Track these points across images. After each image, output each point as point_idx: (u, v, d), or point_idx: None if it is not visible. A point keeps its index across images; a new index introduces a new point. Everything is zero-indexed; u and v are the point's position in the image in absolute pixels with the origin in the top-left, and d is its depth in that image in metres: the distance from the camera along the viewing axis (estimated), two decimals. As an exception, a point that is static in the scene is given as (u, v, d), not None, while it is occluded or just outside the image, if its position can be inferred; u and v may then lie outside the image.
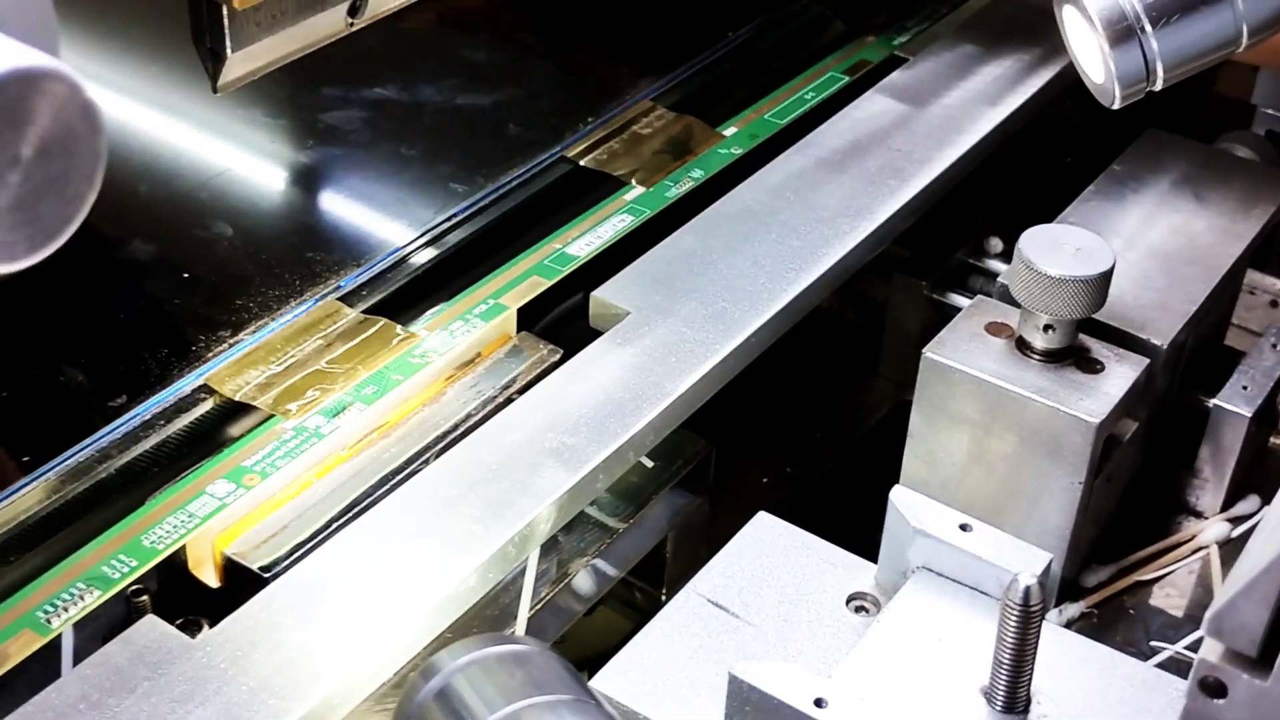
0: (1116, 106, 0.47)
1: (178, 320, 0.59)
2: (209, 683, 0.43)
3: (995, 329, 0.57)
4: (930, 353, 0.56)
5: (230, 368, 0.55)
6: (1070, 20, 0.51)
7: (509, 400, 0.55)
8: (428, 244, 0.63)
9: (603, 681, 0.47)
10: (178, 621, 0.47)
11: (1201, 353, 0.63)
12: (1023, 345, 0.56)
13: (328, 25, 0.47)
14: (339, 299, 0.59)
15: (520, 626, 0.54)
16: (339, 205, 0.66)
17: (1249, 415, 0.60)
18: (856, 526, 0.54)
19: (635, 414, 0.53)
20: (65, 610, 0.46)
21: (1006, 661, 0.45)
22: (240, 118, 0.68)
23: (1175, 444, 0.63)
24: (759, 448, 0.65)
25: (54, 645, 0.46)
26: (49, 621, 0.46)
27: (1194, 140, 0.70)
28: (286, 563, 0.49)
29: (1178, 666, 0.55)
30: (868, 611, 0.51)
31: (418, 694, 0.39)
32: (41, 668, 0.45)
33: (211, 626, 0.46)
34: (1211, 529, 0.62)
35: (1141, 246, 0.63)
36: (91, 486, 0.51)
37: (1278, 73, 0.62)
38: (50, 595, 0.47)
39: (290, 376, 0.55)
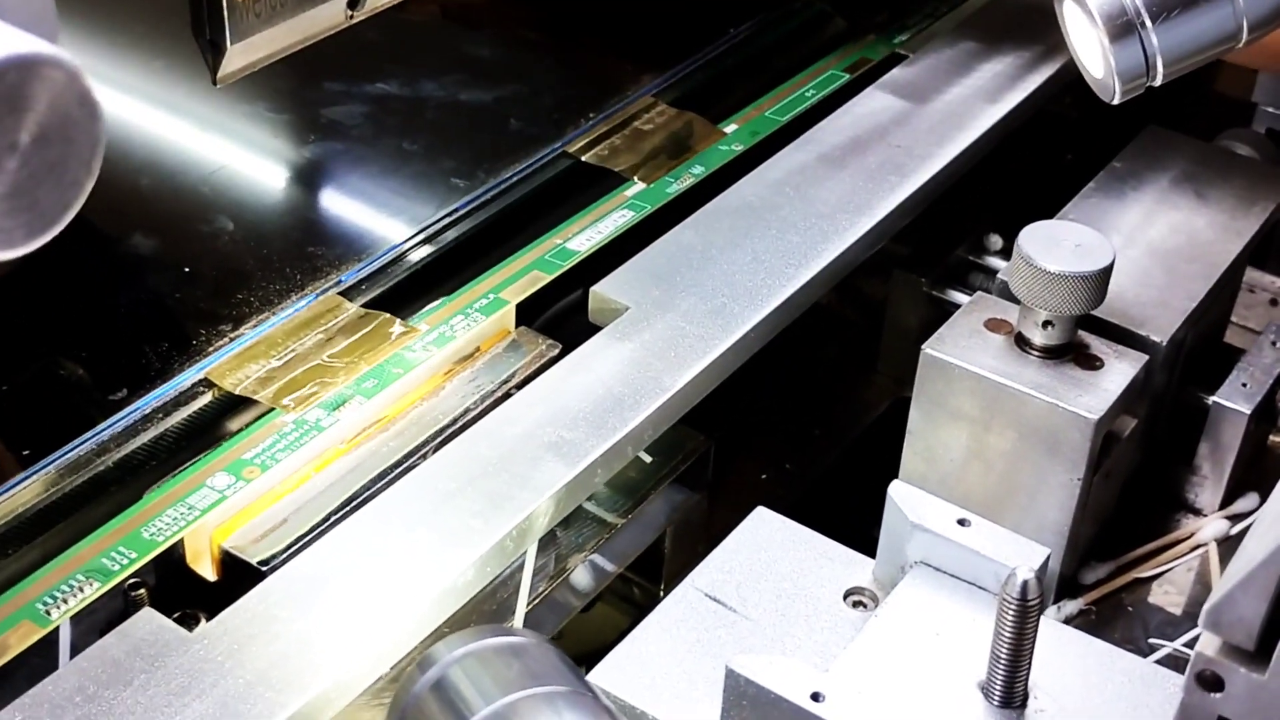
0: (1116, 102, 0.47)
1: (179, 314, 0.59)
2: (206, 675, 0.43)
3: (994, 325, 0.57)
4: (929, 349, 0.56)
5: (231, 361, 0.56)
6: (1070, 16, 0.51)
7: (508, 394, 0.55)
8: (429, 239, 0.63)
9: (600, 676, 0.47)
10: (175, 615, 0.47)
11: (1201, 350, 0.63)
12: (1022, 341, 0.56)
13: (328, 17, 0.47)
14: (340, 293, 0.59)
15: (518, 621, 0.54)
16: (340, 200, 0.66)
17: (1248, 412, 0.60)
18: (855, 522, 0.54)
19: (634, 409, 0.53)
20: (65, 602, 0.46)
21: (1004, 656, 0.45)
22: (242, 112, 0.68)
23: (1174, 441, 0.63)
24: (758, 443, 0.65)
25: (51, 638, 0.46)
26: (48, 613, 0.46)
27: (1194, 137, 0.70)
28: (284, 556, 0.49)
29: (1176, 664, 0.55)
30: (865, 606, 0.51)
31: (414, 685, 0.39)
32: (39, 660, 0.45)
33: (209, 620, 0.46)
34: (1210, 526, 0.62)
35: (1141, 243, 0.63)
36: (91, 479, 0.51)
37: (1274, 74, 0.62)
38: (50, 587, 0.47)
39: (291, 370, 0.55)
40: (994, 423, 0.55)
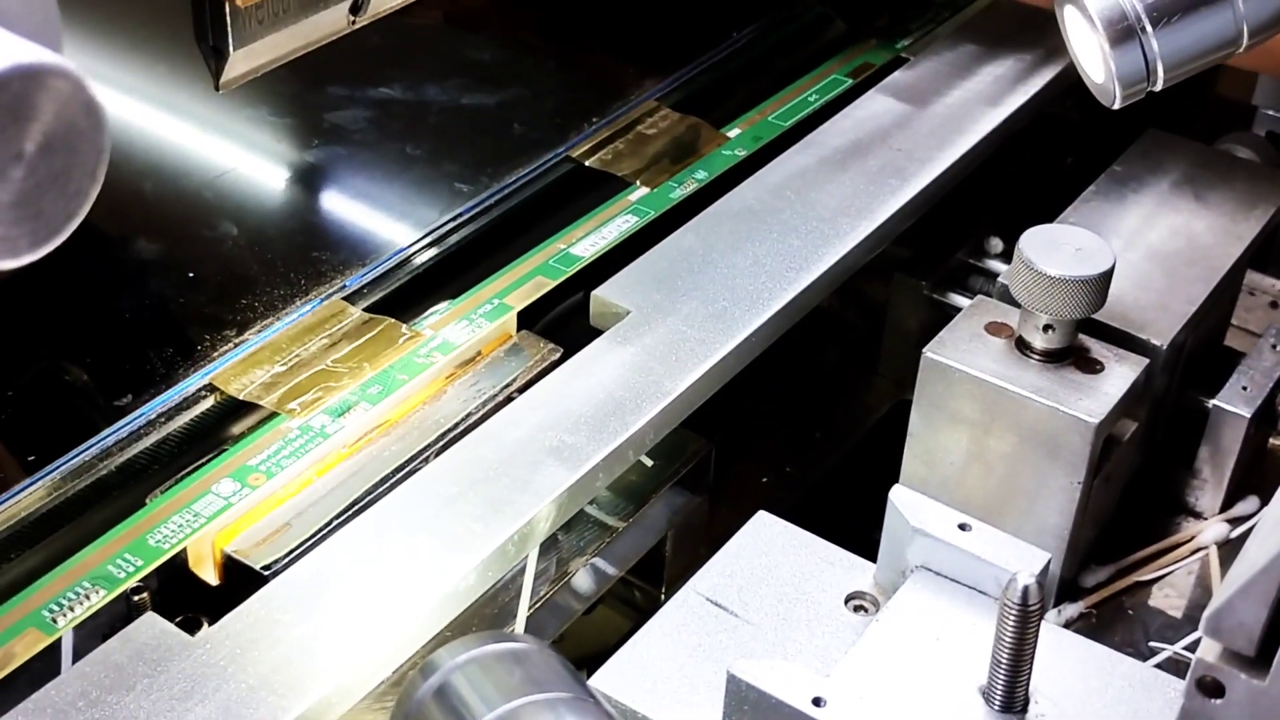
0: (1117, 106, 0.47)
1: (183, 319, 0.59)
2: (208, 680, 0.43)
3: (995, 329, 0.57)
4: (930, 352, 0.56)
5: (235, 367, 0.56)
6: (1071, 20, 0.51)
7: (509, 399, 0.55)
8: (432, 244, 0.63)
9: (602, 680, 0.47)
10: (177, 619, 0.47)
11: (1201, 353, 0.63)
12: (1022, 345, 0.56)
13: (330, 23, 0.47)
14: (344, 298, 0.59)
15: (520, 625, 0.54)
16: (344, 205, 0.67)
17: (1248, 416, 0.61)
18: (856, 526, 0.54)
19: (635, 413, 0.53)
20: (71, 610, 0.46)
21: (1004, 661, 0.45)
22: (245, 117, 0.68)
23: (1174, 444, 0.63)
24: (759, 447, 0.65)
25: (54, 642, 0.46)
26: (54, 621, 0.46)
27: (1194, 141, 0.70)
28: (287, 561, 0.49)
29: (1176, 667, 0.55)
30: (866, 611, 0.51)
31: (416, 691, 0.39)
32: (41, 665, 0.45)
33: (211, 624, 0.46)
34: (1210, 529, 0.62)
35: (1141, 247, 0.63)
36: (96, 485, 0.51)
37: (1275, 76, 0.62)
38: (55, 594, 0.47)
39: (295, 376, 0.55)
40: (994, 426, 0.56)
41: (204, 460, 0.52)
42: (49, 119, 0.30)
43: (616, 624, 0.64)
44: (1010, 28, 0.76)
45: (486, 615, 0.53)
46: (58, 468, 0.51)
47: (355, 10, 0.47)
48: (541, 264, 0.62)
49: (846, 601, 0.51)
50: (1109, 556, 0.61)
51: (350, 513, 0.51)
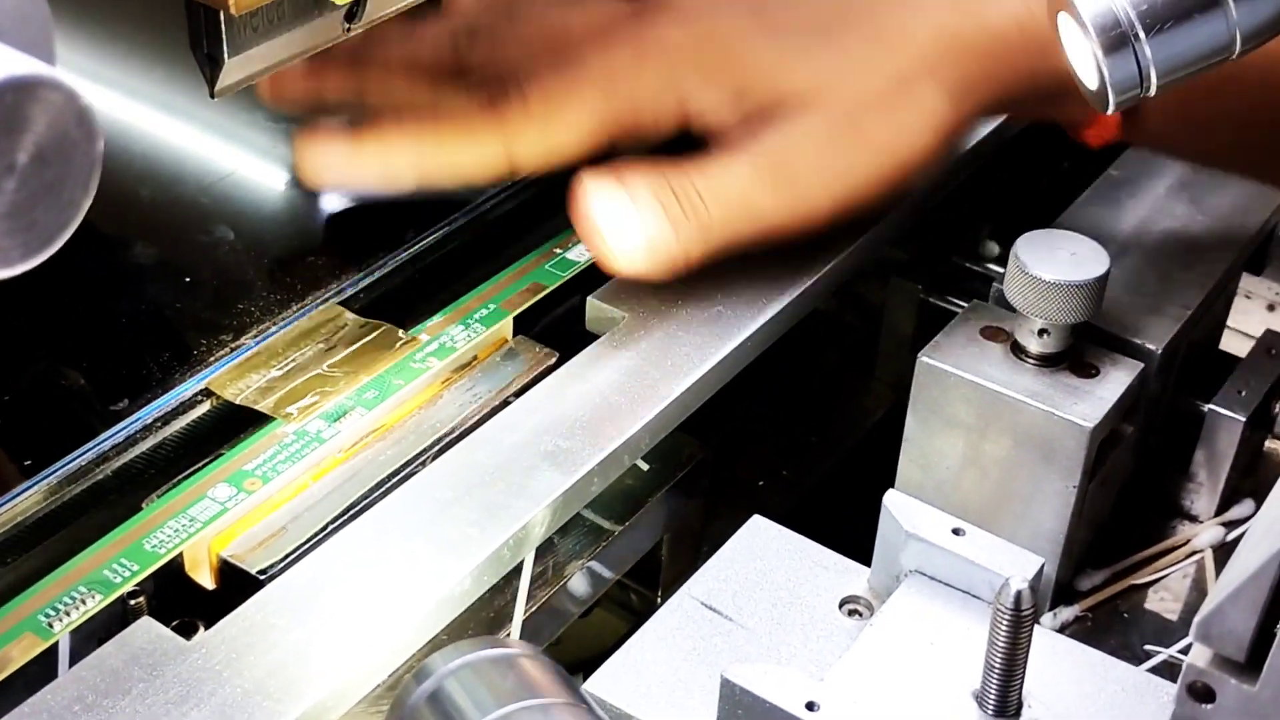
0: (1111, 113, 0.47)
1: (179, 324, 0.59)
2: (204, 684, 0.43)
3: (990, 333, 0.58)
4: (925, 357, 0.56)
5: (231, 372, 0.56)
6: (1065, 27, 0.51)
7: (505, 403, 0.55)
8: (428, 249, 0.63)
9: (597, 684, 0.47)
10: (173, 623, 0.47)
11: (1196, 357, 0.63)
12: (1018, 349, 0.57)
13: (325, 31, 0.47)
14: (340, 303, 0.60)
15: (515, 629, 0.54)
16: (340, 210, 0.67)
17: (1243, 420, 0.61)
18: (851, 530, 0.54)
19: (631, 417, 0.53)
20: (67, 614, 0.46)
21: (998, 666, 0.45)
22: (242, 122, 0.68)
23: (1170, 448, 0.63)
24: (754, 451, 0.65)
25: (50, 647, 0.46)
26: (51, 625, 0.46)
27: (1191, 145, 0.70)
28: (282, 565, 0.49)
29: (1172, 670, 0.55)
30: (861, 615, 0.51)
31: (410, 696, 0.39)
32: (37, 669, 0.45)
33: (207, 628, 0.46)
34: (1206, 533, 0.62)
35: (1137, 251, 0.63)
36: (92, 490, 0.51)
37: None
38: (52, 599, 0.47)
39: (291, 380, 0.56)
40: (990, 430, 0.56)
41: (200, 465, 0.52)
42: (41, 130, 0.30)
43: (613, 627, 0.64)
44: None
45: (482, 619, 0.53)
46: (54, 472, 0.51)
47: (350, 18, 0.47)
48: (537, 269, 0.62)
49: (841, 606, 0.51)
50: (1104, 560, 0.61)
51: (346, 517, 0.51)
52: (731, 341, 0.57)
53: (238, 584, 0.49)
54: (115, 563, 0.48)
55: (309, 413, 0.54)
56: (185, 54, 0.47)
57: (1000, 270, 0.66)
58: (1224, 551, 0.62)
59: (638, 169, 0.54)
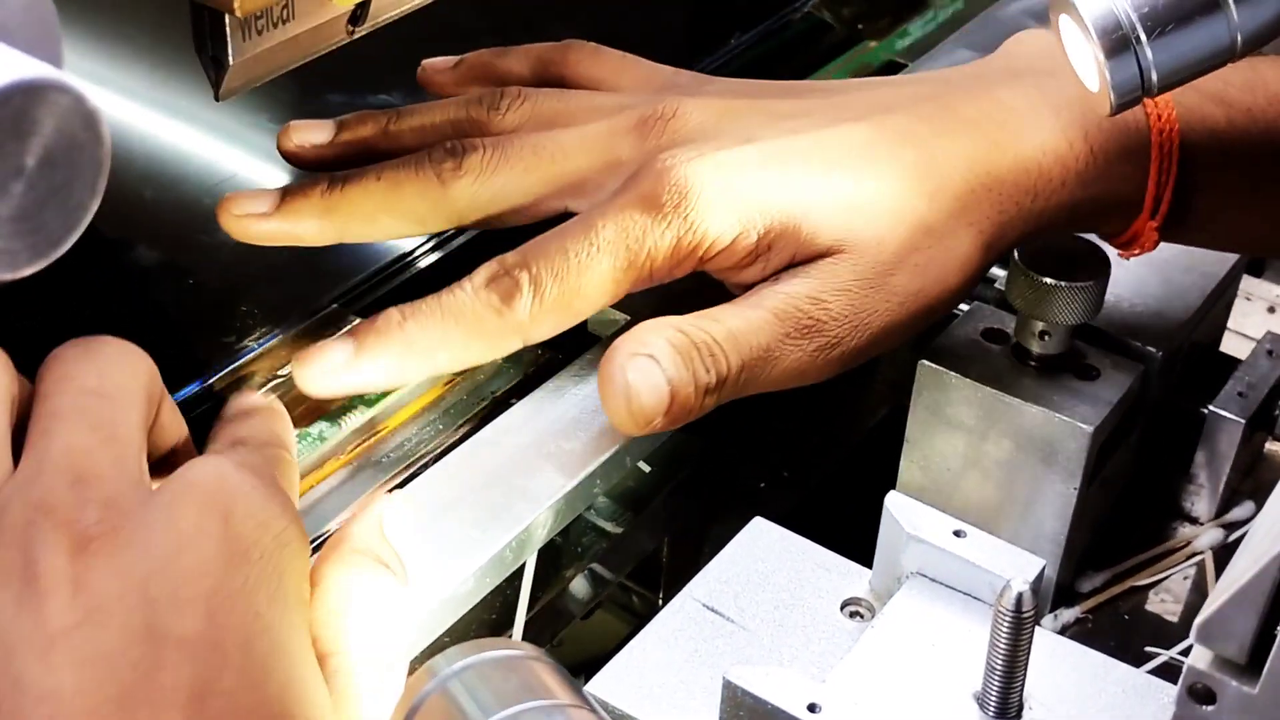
0: (1112, 115, 0.47)
1: (182, 326, 0.59)
2: (209, 685, 0.43)
3: (992, 335, 0.58)
4: (927, 358, 0.57)
5: (235, 374, 0.56)
6: (1066, 29, 0.51)
7: (507, 405, 0.55)
8: (431, 249, 0.63)
9: (598, 686, 0.48)
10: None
11: (1197, 359, 0.64)
12: (1019, 351, 0.57)
13: (329, 34, 0.47)
14: (343, 305, 0.60)
15: (518, 630, 0.54)
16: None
17: (1244, 421, 0.61)
18: (852, 532, 0.55)
19: (633, 419, 0.53)
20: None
21: (999, 667, 0.45)
22: (246, 124, 0.68)
23: (1170, 450, 0.63)
24: (756, 452, 0.65)
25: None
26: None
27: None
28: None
29: (1172, 672, 0.55)
30: (862, 617, 0.51)
31: (413, 698, 0.39)
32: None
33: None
34: (1206, 535, 0.62)
35: (1138, 254, 0.63)
36: (94, 490, 0.52)
37: None
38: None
39: (294, 384, 0.56)
40: (991, 432, 0.56)
41: (203, 467, 0.52)
42: (49, 134, 0.31)
43: (614, 628, 0.64)
44: (1004, 35, 0.76)
45: (485, 621, 0.53)
46: (58, 474, 0.51)
47: (355, 20, 0.47)
48: (540, 270, 0.62)
49: (842, 608, 0.51)
50: (1105, 562, 0.61)
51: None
52: (733, 343, 0.57)
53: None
54: (119, 564, 0.48)
55: (312, 416, 0.54)
56: (190, 57, 0.47)
57: (1001, 272, 0.66)
58: (1224, 553, 0.62)
59: (658, 328, 0.51)
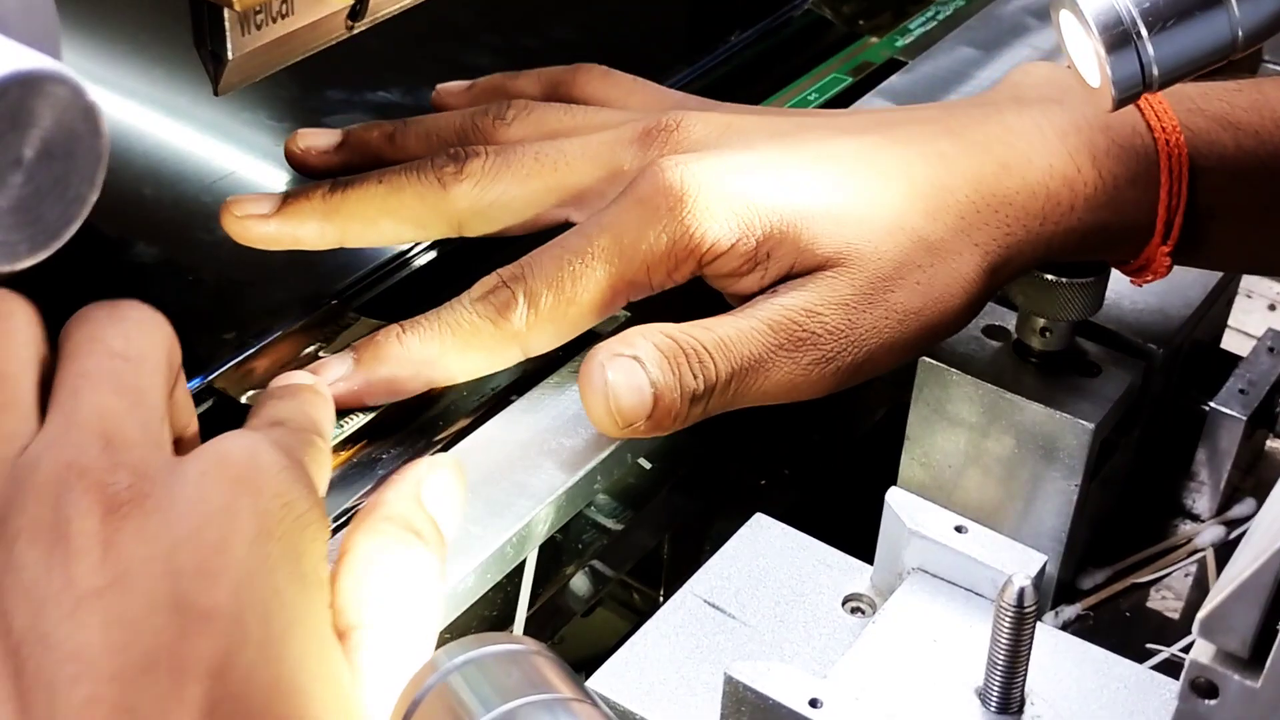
0: (1112, 111, 0.47)
1: (182, 323, 0.59)
2: (209, 681, 0.43)
3: (992, 331, 0.58)
4: (928, 355, 0.56)
5: (235, 370, 0.56)
6: (1067, 25, 0.51)
7: (508, 401, 0.55)
8: (431, 246, 0.63)
9: (600, 682, 0.48)
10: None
11: (1198, 356, 0.64)
12: (1020, 348, 0.57)
13: (329, 29, 0.47)
14: (343, 302, 0.60)
15: (518, 627, 0.54)
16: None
17: (1245, 418, 0.61)
18: (853, 528, 0.55)
19: (634, 415, 0.53)
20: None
21: (1001, 662, 0.45)
22: (245, 120, 0.68)
23: (1171, 447, 0.63)
24: (756, 449, 0.65)
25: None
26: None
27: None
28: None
29: (1173, 669, 0.55)
30: (863, 612, 0.51)
31: (415, 692, 0.39)
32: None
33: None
34: (1207, 532, 0.62)
35: (1139, 250, 0.63)
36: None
37: None
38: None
39: (293, 378, 0.56)
40: (992, 429, 0.56)
41: (203, 463, 0.52)
42: (48, 125, 0.31)
43: (615, 625, 0.64)
44: (1006, 34, 0.76)
45: (485, 617, 0.53)
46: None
47: (354, 16, 0.47)
48: (540, 267, 0.62)
49: (844, 603, 0.51)
50: (1106, 559, 0.61)
51: (348, 516, 0.51)
52: (734, 340, 0.57)
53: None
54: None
55: (312, 411, 0.54)
56: (188, 52, 0.47)
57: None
58: (1225, 550, 0.62)
59: (646, 331, 0.51)
